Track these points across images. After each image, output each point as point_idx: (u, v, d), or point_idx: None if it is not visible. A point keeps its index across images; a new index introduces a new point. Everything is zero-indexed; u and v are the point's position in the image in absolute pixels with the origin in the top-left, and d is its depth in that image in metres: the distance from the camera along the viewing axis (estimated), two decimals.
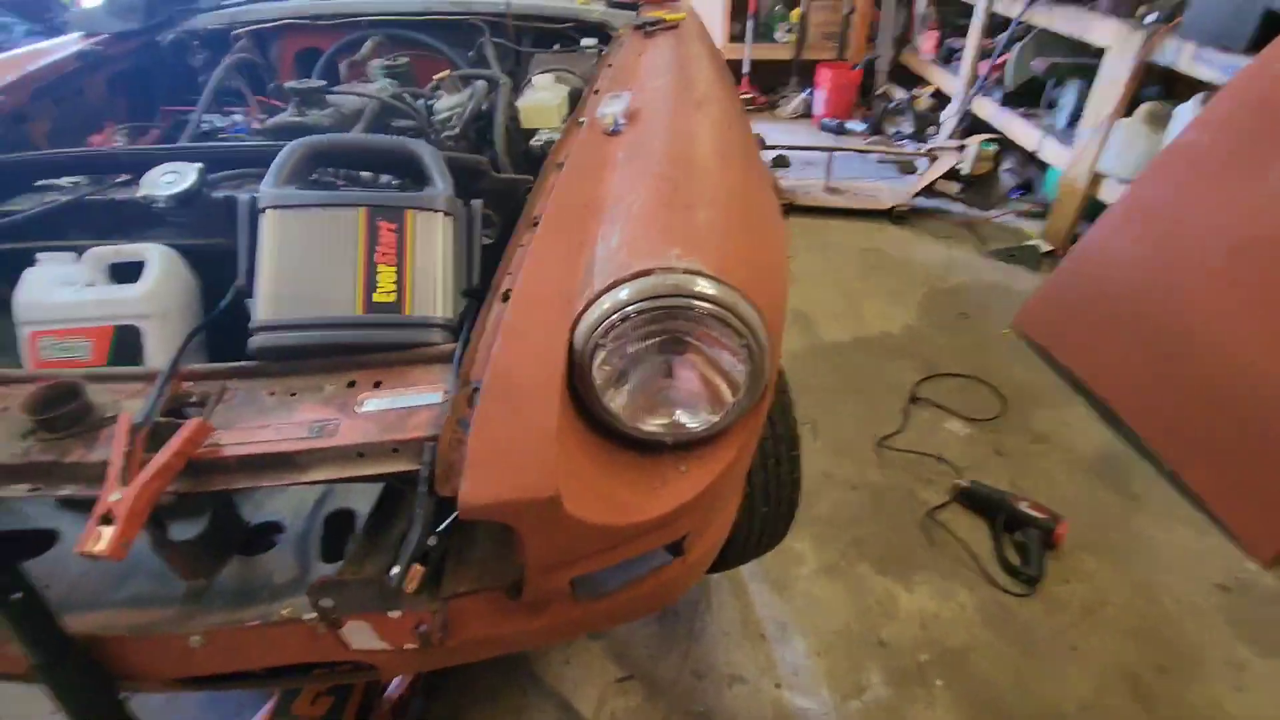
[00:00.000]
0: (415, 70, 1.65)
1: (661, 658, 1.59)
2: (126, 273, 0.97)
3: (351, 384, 0.84)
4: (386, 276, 0.87)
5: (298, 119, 1.24)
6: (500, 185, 1.08)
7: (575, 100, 1.42)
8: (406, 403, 0.82)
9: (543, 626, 0.92)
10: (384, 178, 1.08)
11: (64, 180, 1.14)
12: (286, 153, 0.93)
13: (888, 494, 2.02)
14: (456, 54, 1.74)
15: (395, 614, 0.84)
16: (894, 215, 3.61)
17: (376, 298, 0.87)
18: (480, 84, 1.40)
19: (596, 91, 1.31)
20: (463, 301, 0.94)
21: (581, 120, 1.20)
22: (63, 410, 0.78)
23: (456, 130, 1.29)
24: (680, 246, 0.81)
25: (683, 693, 1.51)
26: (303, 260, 0.87)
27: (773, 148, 3.91)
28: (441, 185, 0.95)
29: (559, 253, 0.89)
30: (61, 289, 0.96)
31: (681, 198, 0.91)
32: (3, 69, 1.41)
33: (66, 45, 1.60)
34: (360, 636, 0.87)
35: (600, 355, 0.80)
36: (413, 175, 1.01)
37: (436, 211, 0.92)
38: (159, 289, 0.96)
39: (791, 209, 3.75)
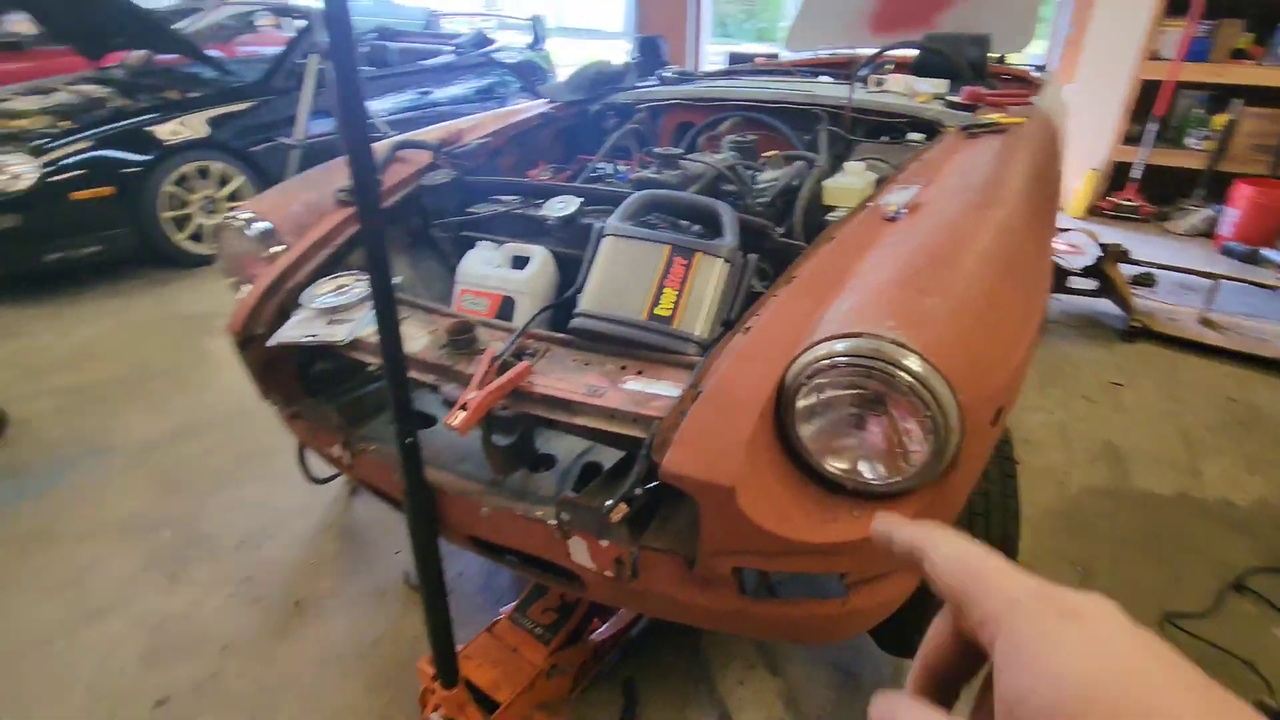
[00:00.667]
0: (759, 146, 1.99)
1: (828, 718, 1.63)
2: (520, 262, 1.45)
3: (623, 367, 1.16)
4: (668, 297, 1.17)
5: (654, 175, 1.65)
6: (780, 247, 1.32)
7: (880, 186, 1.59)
8: (654, 390, 1.10)
9: (707, 606, 1.11)
10: (695, 226, 1.40)
11: (505, 197, 1.71)
12: (631, 199, 1.31)
13: None
14: (796, 136, 2.02)
15: (604, 543, 1.12)
16: None
17: (657, 311, 1.17)
18: (800, 163, 1.66)
19: (895, 181, 1.47)
20: (720, 330, 1.20)
21: (869, 204, 1.38)
22: (461, 338, 1.23)
23: (767, 199, 1.56)
24: (896, 320, 0.95)
25: None
26: (618, 274, 1.23)
27: (1139, 264, 3.44)
28: (729, 239, 1.23)
29: (800, 307, 1.09)
30: (484, 266, 1.47)
31: (918, 282, 1.03)
32: (495, 120, 2.12)
33: (535, 107, 2.31)
34: (578, 551, 1.17)
35: (804, 392, 0.98)
36: (714, 227, 1.30)
37: (718, 257, 1.20)
38: (535, 277, 1.41)
39: (1145, 334, 3.26)
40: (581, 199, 1.46)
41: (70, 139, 3.46)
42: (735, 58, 5.17)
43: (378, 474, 1.39)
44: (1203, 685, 0.24)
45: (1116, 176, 4.99)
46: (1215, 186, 4.59)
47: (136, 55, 4.71)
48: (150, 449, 2.51)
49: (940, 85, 2.10)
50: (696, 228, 1.37)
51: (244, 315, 1.39)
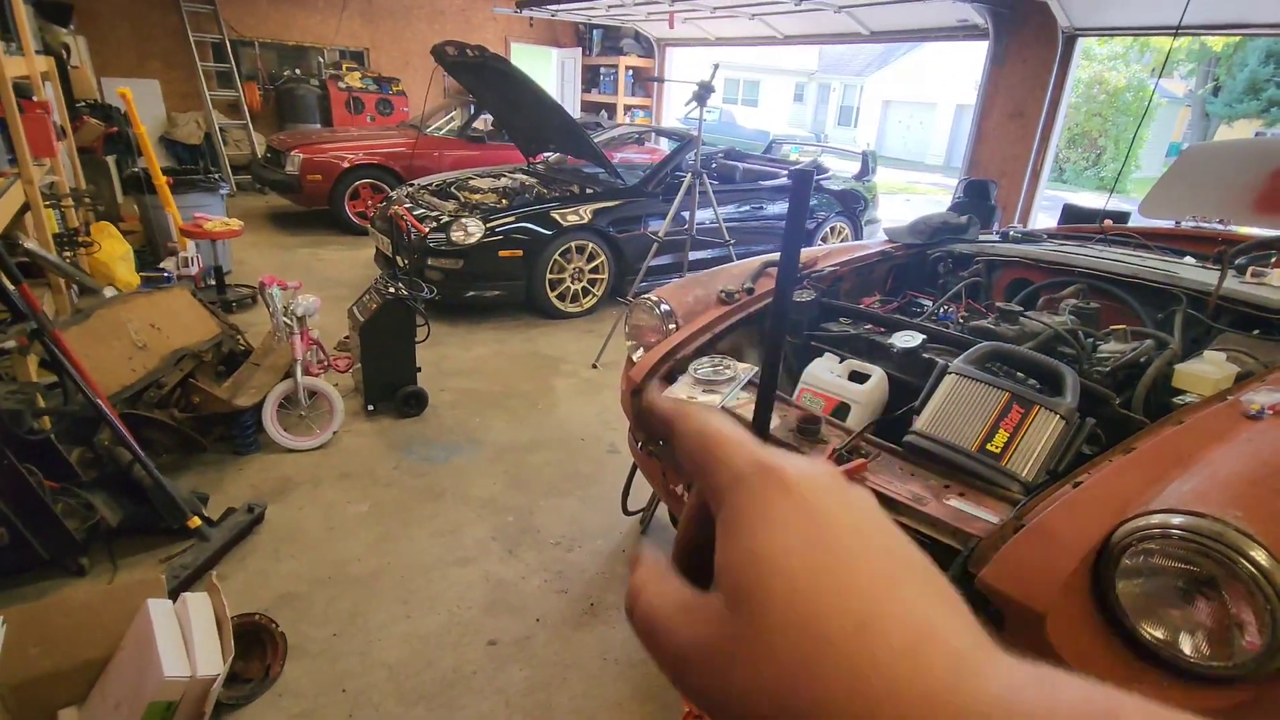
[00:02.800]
0: (1102, 316, 2.05)
1: None
2: (859, 377, 1.74)
3: (947, 486, 1.35)
4: (1001, 437, 1.35)
5: (992, 326, 1.83)
6: (1118, 417, 1.41)
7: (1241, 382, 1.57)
8: (973, 512, 1.28)
9: None
10: (1030, 380, 1.55)
11: (845, 320, 2.04)
12: (978, 346, 1.53)
13: None
14: (1146, 314, 2.04)
15: None
16: None
17: (989, 446, 1.36)
18: (1150, 342, 1.71)
19: (1264, 379, 1.46)
20: (1045, 478, 1.34)
21: (1229, 396, 1.40)
22: (809, 426, 1.55)
23: (1107, 369, 1.65)
24: (1244, 512, 1.02)
25: None
26: (956, 407, 1.44)
27: None
28: (1069, 399, 1.37)
29: (1136, 475, 1.19)
30: (827, 374, 1.79)
31: (1273, 483, 1.08)
32: (843, 253, 2.49)
33: (875, 244, 2.64)
34: None
35: (1130, 552, 1.08)
36: (1051, 385, 1.45)
37: (1056, 413, 1.35)
38: (871, 390, 1.69)
39: None
40: (924, 336, 1.72)
41: (506, 213, 4.70)
42: (1070, 211, 5.00)
43: None
44: (895, 549, 0.23)
45: None
46: None
47: (554, 156, 6.19)
48: (506, 451, 3.26)
49: None
50: (1034, 382, 1.52)
51: (642, 371, 1.89)
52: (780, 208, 6.06)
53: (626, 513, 2.67)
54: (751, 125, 18.83)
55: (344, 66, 8.94)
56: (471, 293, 4.67)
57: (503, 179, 5.44)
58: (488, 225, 4.58)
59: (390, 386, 3.39)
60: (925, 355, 1.67)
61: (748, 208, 5.80)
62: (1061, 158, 22.36)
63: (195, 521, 2.32)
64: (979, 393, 1.44)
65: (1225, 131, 21.76)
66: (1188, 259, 2.41)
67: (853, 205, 6.74)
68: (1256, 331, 1.85)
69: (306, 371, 3.09)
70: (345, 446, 3.19)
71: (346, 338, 3.48)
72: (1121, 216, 3.92)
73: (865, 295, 2.43)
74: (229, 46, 8.15)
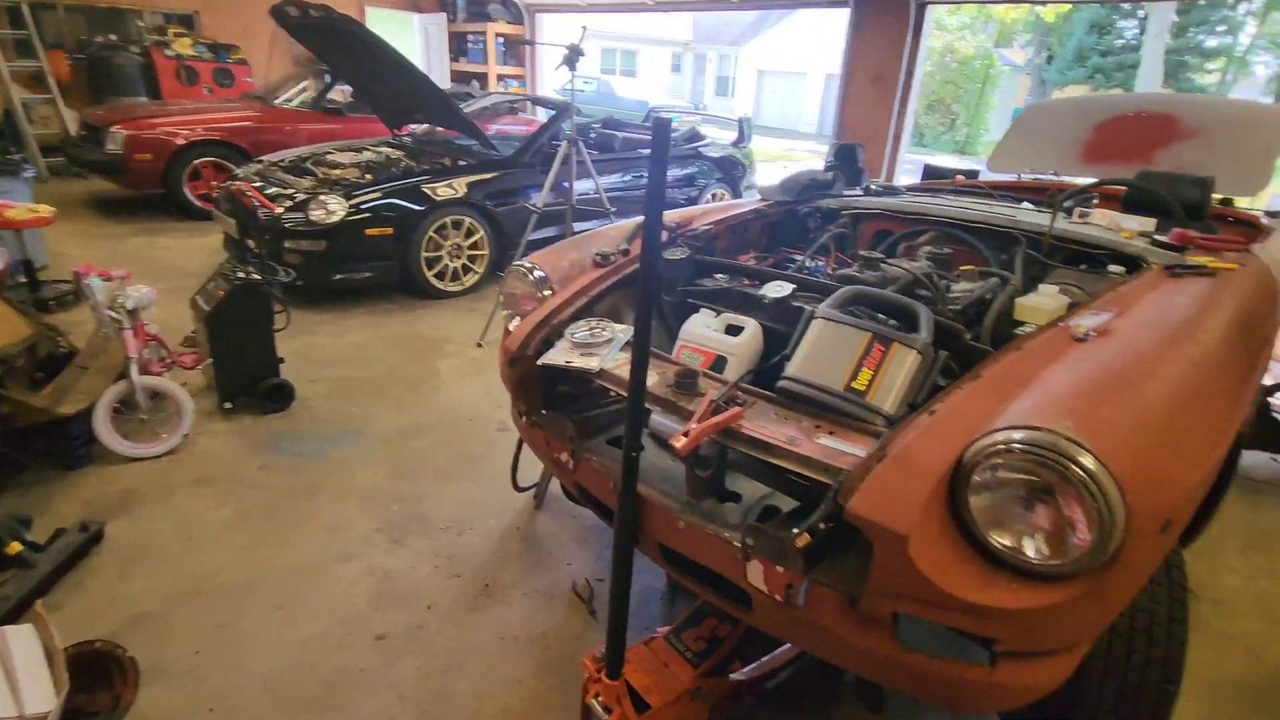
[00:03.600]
0: (954, 260, 2.17)
1: None
2: (735, 330, 1.75)
3: (818, 425, 1.39)
4: (865, 375, 1.40)
5: (857, 274, 1.90)
6: (967, 349, 1.50)
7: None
8: (843, 448, 1.32)
9: (861, 646, 1.27)
10: (892, 320, 1.61)
11: (720, 276, 2.05)
12: (841, 291, 1.57)
13: None
14: (992, 255, 2.19)
15: (779, 569, 1.33)
16: None
17: (854, 385, 1.40)
18: (995, 280, 1.84)
19: (1088, 306, 1.60)
20: (906, 410, 1.40)
21: (1061, 323, 1.52)
22: (686, 381, 1.54)
23: (959, 307, 1.75)
24: (1075, 422, 1.11)
25: None
26: (823, 350, 1.48)
27: None
28: (924, 335, 1.44)
29: (982, 400, 1.26)
30: (703, 328, 1.79)
31: (1100, 396, 1.18)
32: (718, 212, 2.50)
33: (749, 203, 2.67)
34: (755, 574, 1.38)
35: (980, 469, 1.15)
36: (908, 323, 1.52)
37: (912, 349, 1.41)
38: (746, 343, 1.71)
39: None
40: (794, 285, 1.75)
41: (370, 189, 4.40)
42: (930, 171, 5.34)
43: (594, 480, 1.71)
44: None
45: None
46: None
47: (422, 128, 5.86)
48: (389, 439, 3.08)
49: (1148, 224, 2.17)
50: (893, 322, 1.59)
51: (518, 340, 1.81)
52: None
53: (518, 489, 2.60)
54: (630, 96, 18.77)
55: (170, 32, 7.99)
56: (340, 276, 4.36)
57: (366, 153, 5.09)
58: (351, 202, 4.27)
59: (249, 381, 3.11)
60: (795, 304, 1.71)
61: (629, 176, 5.76)
62: (921, 124, 23.91)
63: (15, 547, 2.03)
64: (843, 335, 1.48)
65: (1060, 96, 24.04)
66: (1025, 205, 2.61)
67: (732, 172, 6.87)
68: (1084, 266, 2.03)
69: (145, 370, 2.77)
70: (201, 450, 2.90)
71: (195, 331, 3.15)
72: (974, 174, 4.20)
73: (741, 252, 2.46)
74: (26, 10, 7.06)
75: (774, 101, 25.78)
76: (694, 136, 6.70)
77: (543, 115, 7.14)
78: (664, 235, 2.19)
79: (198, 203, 6.05)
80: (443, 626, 2.09)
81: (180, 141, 5.91)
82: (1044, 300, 1.71)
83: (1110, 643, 1.28)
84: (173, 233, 5.93)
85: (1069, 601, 1.09)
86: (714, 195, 6.73)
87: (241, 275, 2.98)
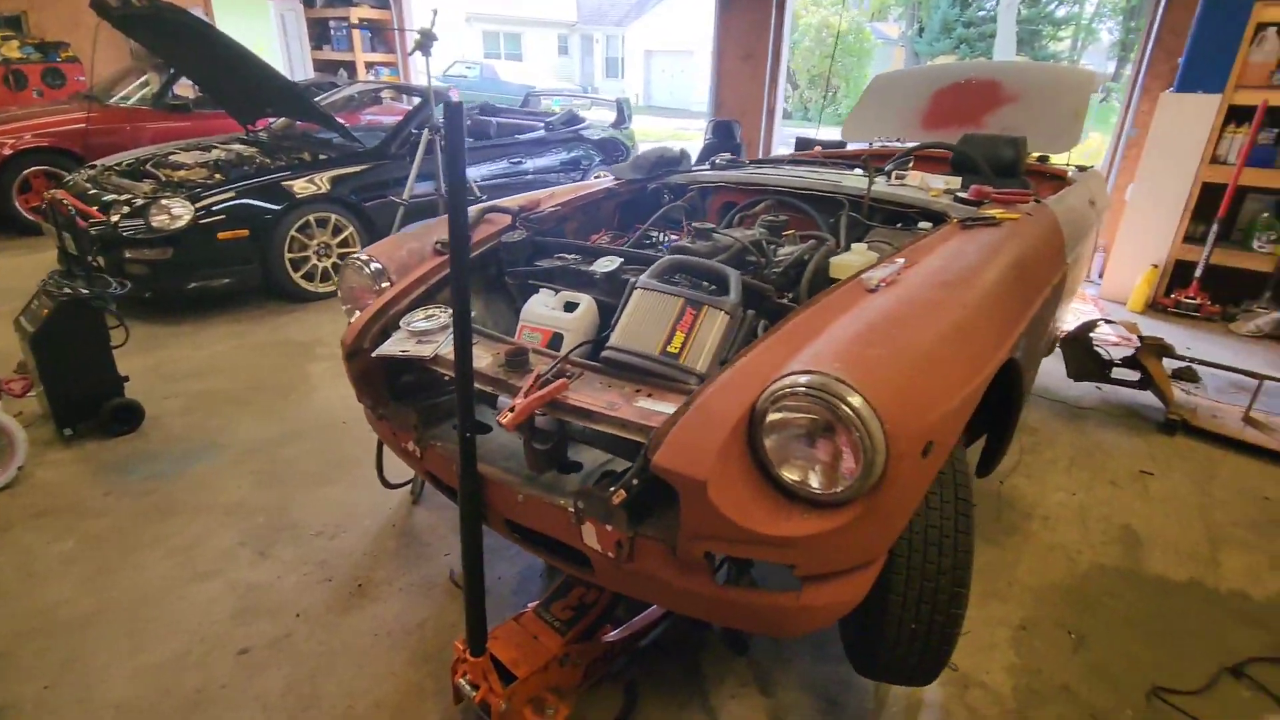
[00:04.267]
0: (791, 226, 2.30)
1: None
2: (571, 307, 1.80)
3: (637, 390, 1.46)
4: (679, 338, 1.48)
5: (689, 244, 1.98)
6: (777, 308, 1.61)
7: None
8: (658, 408, 1.39)
9: (686, 588, 1.35)
10: (710, 285, 1.70)
11: (566, 255, 2.08)
12: (660, 261, 1.64)
13: None
14: (823, 220, 2.33)
15: (608, 527, 1.39)
16: None
17: (669, 349, 1.48)
18: (813, 242, 1.96)
19: (883, 260, 1.74)
20: (719, 367, 1.49)
21: (860, 277, 1.65)
22: (516, 359, 1.57)
23: (780, 269, 1.86)
24: (842, 364, 1.22)
25: None
26: (642, 318, 1.55)
27: (1182, 359, 3.50)
28: (732, 297, 1.53)
29: (777, 351, 1.37)
30: (542, 308, 1.83)
31: (870, 338, 1.30)
32: (567, 193, 2.53)
33: (602, 183, 2.72)
34: (589, 535, 1.44)
35: (769, 412, 1.24)
36: (722, 286, 1.61)
37: (720, 310, 1.50)
38: (579, 318, 1.75)
39: (1185, 427, 3.30)
40: (622, 259, 1.81)
41: (220, 189, 4.15)
42: (801, 142, 5.58)
43: (440, 465, 1.72)
44: None
45: (1179, 274, 5.02)
46: None
47: (280, 122, 5.55)
48: (255, 449, 2.95)
49: (953, 182, 2.37)
50: (711, 286, 1.68)
51: (354, 333, 1.78)
52: (546, 161, 6.03)
53: (387, 485, 2.57)
54: (516, 80, 18.42)
55: None
56: (195, 284, 4.10)
57: (215, 151, 4.78)
58: (198, 205, 4.02)
59: (90, 404, 2.89)
60: (624, 276, 1.77)
61: (505, 163, 5.69)
62: (805, 98, 24.79)
63: None
64: (660, 302, 1.55)
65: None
66: (856, 171, 2.79)
67: (614, 154, 6.90)
68: (900, 225, 2.20)
69: None
70: (39, 482, 2.68)
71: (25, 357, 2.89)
72: (840, 144, 4.42)
73: (593, 232, 2.50)
74: None
75: (663, 81, 26.00)
76: (572, 120, 6.67)
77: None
78: (507, 218, 2.20)
79: (29, 216, 5.51)
80: (312, 632, 2.05)
81: (6, 151, 5.36)
82: (854, 258, 1.84)
83: (908, 557, 1.43)
84: (2, 251, 5.38)
85: (850, 524, 1.21)
86: (597, 178, 6.75)
87: (68, 291, 2.76)
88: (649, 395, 1.44)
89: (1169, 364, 3.51)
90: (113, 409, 2.92)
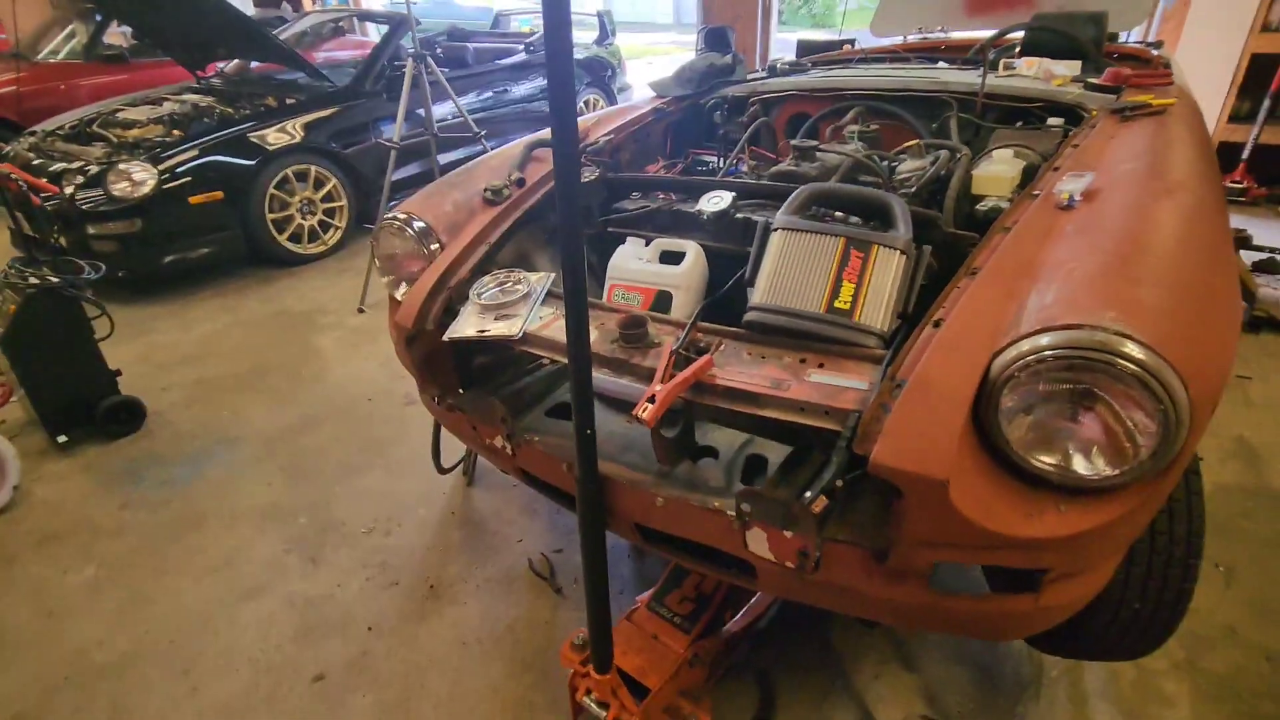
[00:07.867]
0: (884, 137, 1.96)
1: (969, 717, 1.61)
2: (672, 258, 1.47)
3: (803, 360, 1.16)
4: (847, 290, 1.17)
5: (794, 168, 1.64)
6: (948, 239, 1.30)
7: (1029, 175, 1.55)
8: (840, 383, 1.10)
9: (891, 599, 1.11)
10: (853, 218, 1.38)
11: (636, 195, 1.74)
12: (797, 193, 1.31)
13: None
14: (922, 125, 1.99)
15: (788, 534, 1.12)
16: None
17: (836, 304, 1.17)
18: (943, 153, 1.64)
19: (1056, 169, 1.43)
20: (898, 322, 1.19)
21: (1036, 193, 1.34)
22: (633, 332, 1.26)
23: (913, 189, 1.54)
24: (1117, 311, 0.93)
25: None
26: (791, 267, 1.23)
27: (1264, 249, 3.26)
28: (904, 231, 1.22)
29: (991, 298, 1.07)
30: (634, 261, 1.50)
31: (1130, 272, 1.01)
32: (613, 118, 2.15)
33: (645, 103, 2.32)
34: (757, 542, 1.18)
35: (1010, 386, 0.96)
36: (880, 219, 1.29)
37: (896, 249, 1.19)
38: (690, 271, 1.43)
39: (1271, 324, 3.09)
40: (734, 194, 1.47)
41: (183, 147, 3.64)
42: (804, 47, 5.08)
43: (539, 464, 1.43)
44: None
45: (1224, 157, 4.72)
46: None
47: (232, 65, 4.93)
48: (275, 441, 2.64)
49: (1075, 67, 2.03)
50: (855, 219, 1.36)
51: (412, 312, 1.45)
52: (530, 86, 5.48)
53: (442, 470, 2.28)
54: (472, 3, 17.06)
55: None
56: (170, 258, 3.65)
57: (166, 104, 4.21)
58: (162, 167, 3.52)
59: (82, 405, 2.54)
60: (739, 216, 1.44)
61: (490, 94, 5.15)
62: None
63: None
64: (812, 245, 1.24)
65: None
66: (942, 64, 2.42)
67: (601, 74, 6.34)
68: (1020, 123, 1.87)
69: None
70: (40, 500, 2.36)
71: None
72: (851, 43, 3.97)
73: (648, 162, 2.14)
74: None
75: None
76: None
77: (377, 35, 6.23)
78: None
79: None
80: (391, 647, 1.81)
81: None
82: (1002, 168, 1.53)
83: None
84: None
85: (1128, 514, 0.95)
86: (587, 103, 6.21)
87: (35, 280, 2.36)
88: (821, 366, 1.14)
89: (1247, 256, 3.27)
90: (108, 409, 2.57)
